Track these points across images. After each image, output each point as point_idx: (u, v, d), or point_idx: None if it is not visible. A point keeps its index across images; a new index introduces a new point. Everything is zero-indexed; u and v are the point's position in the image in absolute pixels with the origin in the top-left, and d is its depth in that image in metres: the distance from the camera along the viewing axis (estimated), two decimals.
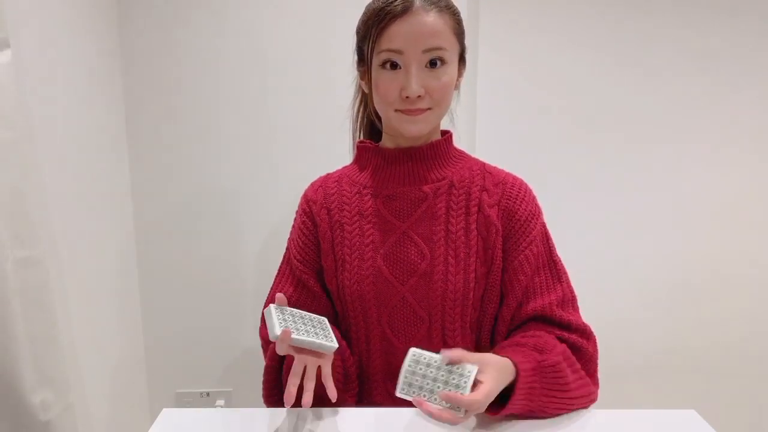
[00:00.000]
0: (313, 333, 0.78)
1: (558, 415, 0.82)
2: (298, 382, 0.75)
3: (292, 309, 0.82)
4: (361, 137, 1.05)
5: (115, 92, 1.44)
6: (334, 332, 0.83)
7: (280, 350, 0.76)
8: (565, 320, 0.90)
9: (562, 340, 0.87)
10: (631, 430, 0.80)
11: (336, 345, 0.79)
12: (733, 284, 1.59)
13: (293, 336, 0.74)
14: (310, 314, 0.84)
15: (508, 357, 0.79)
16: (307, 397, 0.74)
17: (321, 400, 0.84)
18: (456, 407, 0.70)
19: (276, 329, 0.75)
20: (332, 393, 0.76)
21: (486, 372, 0.74)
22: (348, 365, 0.92)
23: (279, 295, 0.82)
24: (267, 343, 0.98)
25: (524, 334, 0.88)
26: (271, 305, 0.80)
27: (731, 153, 1.54)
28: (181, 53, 1.45)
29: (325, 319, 0.85)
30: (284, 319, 0.78)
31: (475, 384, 0.72)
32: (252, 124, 1.49)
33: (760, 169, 1.55)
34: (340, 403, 0.82)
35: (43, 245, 1.02)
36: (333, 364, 0.85)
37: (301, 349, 0.77)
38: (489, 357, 0.77)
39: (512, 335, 0.91)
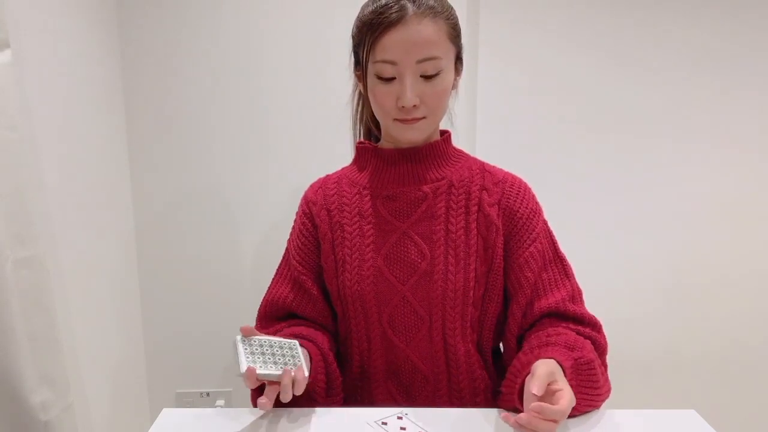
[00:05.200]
0: (282, 363, 0.78)
1: (584, 412, 0.82)
2: (271, 405, 0.76)
3: (261, 337, 0.82)
4: (362, 134, 1.05)
5: (115, 92, 1.44)
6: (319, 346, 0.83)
7: (249, 385, 0.77)
8: (579, 314, 0.90)
9: (578, 334, 0.87)
10: (631, 430, 0.80)
11: (306, 373, 0.79)
12: (733, 284, 1.59)
13: (258, 372, 0.75)
14: (280, 340, 0.83)
15: (552, 357, 0.78)
16: (285, 398, 0.76)
17: (311, 401, 0.85)
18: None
19: (242, 366, 0.75)
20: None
21: (558, 376, 0.73)
22: (333, 378, 0.91)
23: (246, 327, 0.81)
24: None
25: (548, 333, 0.87)
26: (237, 337, 0.80)
27: (731, 153, 1.54)
28: (180, 54, 1.45)
29: (296, 343, 0.84)
30: (251, 352, 0.78)
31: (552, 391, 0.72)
32: (252, 124, 1.49)
33: (760, 169, 1.55)
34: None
35: (43, 245, 1.02)
36: (316, 377, 0.86)
37: (272, 381, 0.78)
38: (544, 362, 0.76)
39: (532, 335, 0.90)
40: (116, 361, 1.42)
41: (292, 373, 0.77)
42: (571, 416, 0.80)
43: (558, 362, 0.77)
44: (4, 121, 0.93)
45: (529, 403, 0.69)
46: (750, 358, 1.62)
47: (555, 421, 0.70)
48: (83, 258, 1.27)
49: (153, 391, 1.61)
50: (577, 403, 0.79)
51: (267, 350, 0.80)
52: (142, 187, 1.51)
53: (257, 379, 0.76)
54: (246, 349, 0.78)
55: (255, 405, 0.87)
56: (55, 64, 1.18)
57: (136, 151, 1.49)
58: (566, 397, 0.71)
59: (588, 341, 0.86)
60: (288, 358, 0.80)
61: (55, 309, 1.03)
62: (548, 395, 0.72)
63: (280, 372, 0.77)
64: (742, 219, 1.56)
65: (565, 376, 0.76)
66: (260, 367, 0.76)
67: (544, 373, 0.73)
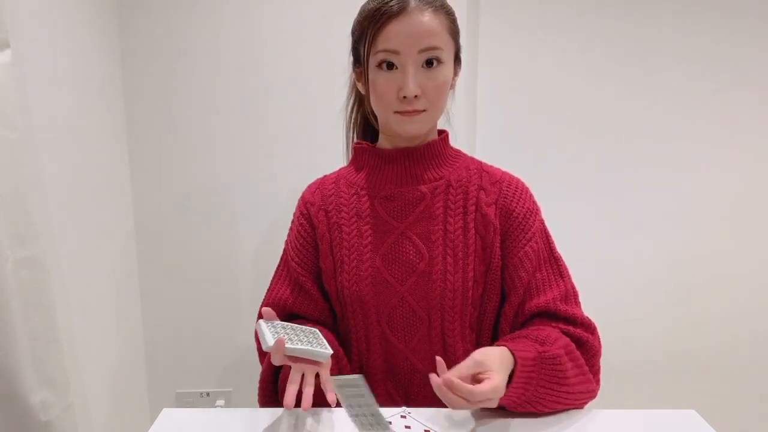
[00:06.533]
0: (307, 342, 0.78)
1: (554, 410, 0.82)
2: (297, 389, 0.75)
3: (283, 322, 0.82)
4: (355, 138, 1.05)
5: (115, 92, 1.44)
6: (327, 341, 0.83)
7: (276, 360, 0.76)
8: (570, 314, 0.90)
9: (567, 334, 0.87)
10: (631, 430, 0.80)
11: (330, 351, 0.79)
12: (733, 284, 1.59)
13: (287, 345, 0.74)
14: (301, 326, 0.83)
15: (505, 346, 0.78)
16: (306, 402, 0.74)
17: (320, 402, 0.84)
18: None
19: (269, 340, 0.75)
20: (331, 398, 0.76)
21: (490, 365, 0.73)
22: (345, 372, 0.91)
23: (266, 310, 0.81)
24: (262, 353, 0.98)
25: (527, 329, 0.88)
26: (261, 320, 0.80)
27: (731, 153, 1.54)
28: (180, 53, 1.45)
29: (317, 330, 0.84)
30: (276, 332, 0.78)
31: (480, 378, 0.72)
32: (251, 124, 1.49)
33: (760, 168, 1.55)
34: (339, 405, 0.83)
35: (43, 245, 1.02)
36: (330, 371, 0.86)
37: (297, 359, 0.77)
38: (486, 350, 0.77)
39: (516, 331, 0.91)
40: (116, 361, 1.42)
41: (315, 349, 0.77)
42: (537, 413, 0.81)
43: (511, 351, 0.77)
44: (4, 121, 0.93)
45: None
46: (750, 358, 1.62)
47: (465, 400, 0.70)
48: (83, 258, 1.27)
49: (153, 391, 1.61)
50: (542, 398, 0.80)
51: (290, 331, 0.80)
52: (142, 187, 1.51)
53: (284, 355, 0.75)
54: (270, 329, 0.78)
55: (260, 403, 0.88)
56: (55, 64, 1.18)
57: (136, 151, 1.49)
58: (488, 383, 0.70)
59: (565, 338, 0.86)
60: (312, 338, 0.80)
61: (55, 309, 1.03)
62: (474, 382, 0.72)
63: (306, 347, 0.76)
64: (742, 219, 1.56)
65: (516, 366, 0.76)
66: (288, 341, 0.76)
67: (467, 365, 0.73)
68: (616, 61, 1.48)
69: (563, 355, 0.82)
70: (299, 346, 0.76)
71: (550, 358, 0.80)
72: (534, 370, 0.78)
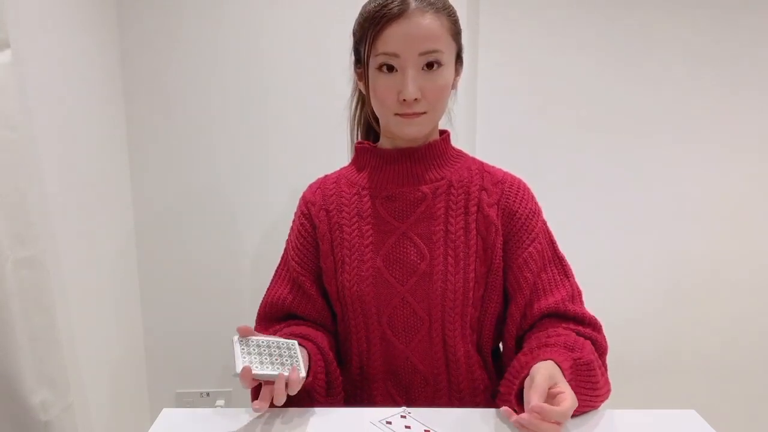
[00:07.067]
0: (279, 363, 0.78)
1: (582, 413, 0.81)
2: (266, 407, 0.75)
3: (259, 337, 0.81)
4: (359, 137, 1.05)
5: (115, 91, 1.44)
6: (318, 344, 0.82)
7: (245, 385, 0.76)
8: (579, 314, 0.90)
9: (579, 334, 0.87)
10: (631, 430, 0.80)
11: (303, 374, 0.79)
12: (733, 285, 1.59)
13: (254, 372, 0.75)
14: (278, 340, 0.83)
15: (550, 359, 0.78)
16: (278, 401, 0.75)
17: (312, 400, 0.85)
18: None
19: (237, 366, 0.75)
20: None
21: (558, 378, 0.73)
22: (333, 377, 0.91)
23: (242, 327, 0.81)
24: None
25: (548, 333, 0.87)
26: (234, 337, 0.80)
27: (731, 153, 1.53)
28: (180, 53, 1.45)
29: (295, 343, 0.84)
30: (248, 352, 0.78)
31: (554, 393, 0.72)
32: (252, 124, 1.49)
33: (760, 169, 1.55)
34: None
35: (43, 245, 1.02)
36: (316, 376, 0.86)
37: (268, 381, 0.77)
38: (544, 365, 0.76)
39: (532, 336, 0.90)
40: (116, 361, 1.42)
41: (287, 374, 0.76)
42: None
43: (556, 363, 0.77)
44: (4, 121, 0.93)
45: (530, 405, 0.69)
46: (750, 358, 1.62)
47: (558, 423, 0.69)
48: (83, 258, 1.27)
49: (153, 391, 1.61)
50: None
51: (264, 350, 0.79)
52: (142, 187, 1.51)
53: (254, 379, 0.76)
54: (243, 349, 0.78)
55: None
56: (55, 64, 1.18)
57: (136, 151, 1.49)
58: (568, 398, 0.70)
59: (588, 342, 0.86)
60: (285, 358, 0.80)
61: (55, 309, 1.03)
62: (550, 398, 0.72)
63: (276, 372, 0.76)
64: (742, 219, 1.56)
65: (564, 376, 0.76)
66: (256, 367, 0.76)
67: (544, 379, 0.72)
68: (617, 60, 1.48)
69: (594, 360, 0.82)
70: (269, 372, 0.76)
71: (585, 365, 0.80)
72: (572, 378, 0.78)
